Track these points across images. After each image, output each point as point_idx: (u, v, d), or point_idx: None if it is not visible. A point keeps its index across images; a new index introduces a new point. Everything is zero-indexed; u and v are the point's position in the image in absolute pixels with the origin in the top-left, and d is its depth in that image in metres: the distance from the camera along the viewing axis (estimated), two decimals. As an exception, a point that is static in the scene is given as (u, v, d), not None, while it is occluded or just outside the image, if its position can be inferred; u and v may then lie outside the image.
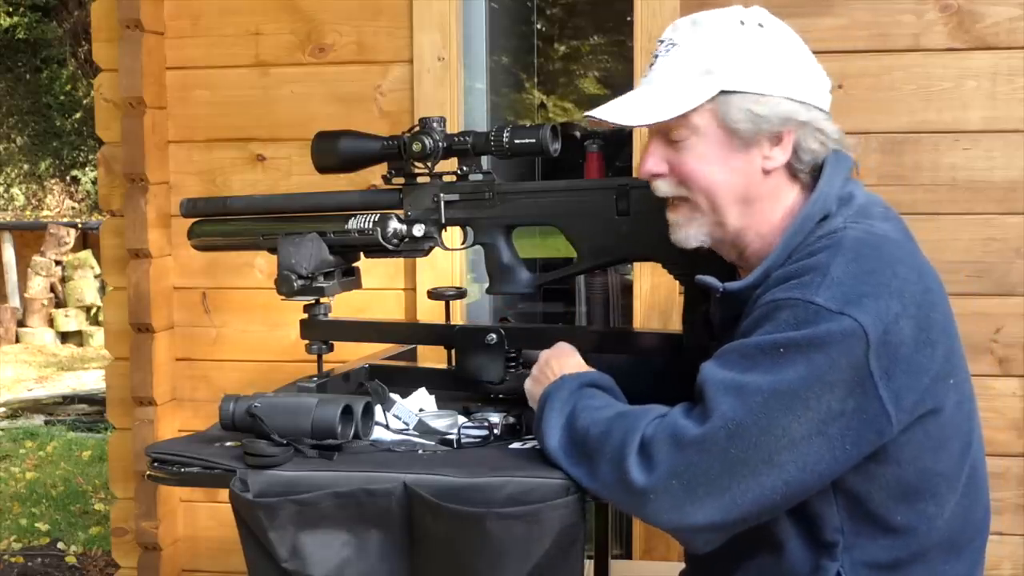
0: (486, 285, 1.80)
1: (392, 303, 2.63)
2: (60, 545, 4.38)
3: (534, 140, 1.66)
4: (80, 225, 10.42)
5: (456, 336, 1.82)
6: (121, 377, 2.74)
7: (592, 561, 2.02)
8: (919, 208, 2.38)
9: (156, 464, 1.54)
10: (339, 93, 2.62)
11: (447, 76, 2.55)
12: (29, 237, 10.38)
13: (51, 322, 9.73)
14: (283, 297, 1.79)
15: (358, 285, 1.90)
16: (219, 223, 1.90)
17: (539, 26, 5.03)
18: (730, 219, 1.42)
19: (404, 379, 1.87)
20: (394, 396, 1.72)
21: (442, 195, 1.75)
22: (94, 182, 12.92)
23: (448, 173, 1.76)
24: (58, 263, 9.79)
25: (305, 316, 1.86)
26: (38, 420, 6.78)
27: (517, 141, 1.67)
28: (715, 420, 1.27)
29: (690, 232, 1.45)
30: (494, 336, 1.76)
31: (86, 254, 9.75)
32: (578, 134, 4.37)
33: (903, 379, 1.27)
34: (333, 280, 1.80)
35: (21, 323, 9.71)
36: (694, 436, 1.28)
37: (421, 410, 1.74)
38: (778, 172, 1.41)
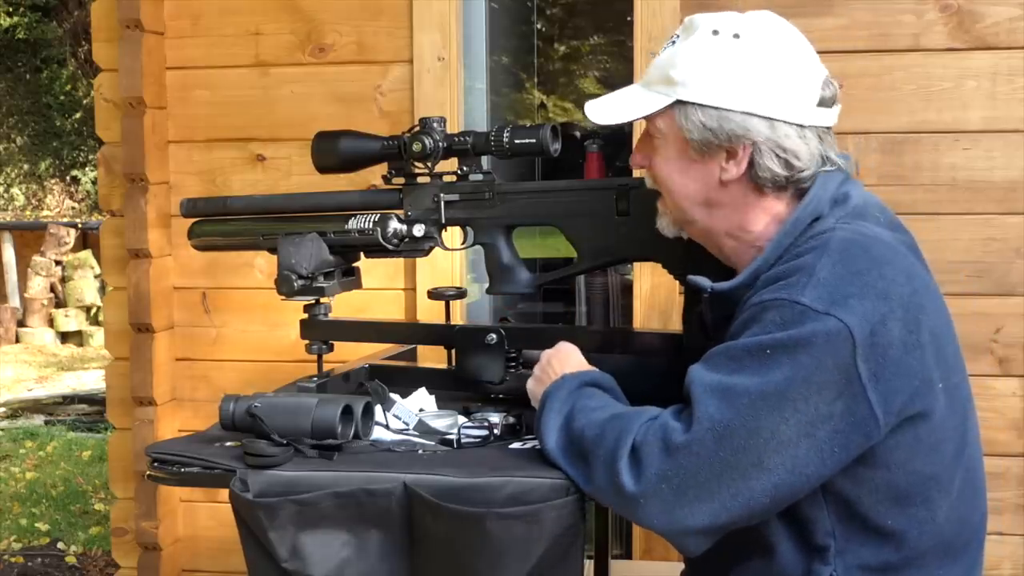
0: (486, 285, 1.80)
1: (392, 303, 2.63)
2: (60, 545, 4.38)
3: (534, 140, 1.66)
4: (80, 225, 10.42)
5: (456, 336, 1.82)
6: (121, 377, 2.74)
7: (592, 561, 2.03)
8: (919, 208, 2.38)
9: (156, 464, 1.55)
10: (339, 93, 2.62)
11: (447, 76, 2.55)
12: (29, 237, 10.37)
13: (51, 322, 9.73)
14: (283, 297, 1.79)
15: (358, 285, 1.90)
16: (219, 223, 1.90)
17: (539, 26, 5.03)
18: (696, 218, 1.46)
19: (404, 379, 1.87)
20: (394, 396, 1.72)
21: (442, 195, 1.76)
22: (94, 182, 12.92)
23: (448, 173, 1.76)
24: (58, 263, 9.79)
25: (305, 316, 1.86)
26: (38, 420, 6.78)
27: (517, 141, 1.67)
28: (703, 423, 1.27)
29: (663, 223, 1.52)
30: (494, 336, 1.76)
31: (86, 254, 9.75)
32: (578, 134, 4.37)
33: (892, 381, 1.26)
34: (333, 280, 1.80)
35: (21, 323, 9.71)
36: (682, 440, 1.28)
37: (421, 410, 1.74)
38: (738, 184, 1.41)
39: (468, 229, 1.78)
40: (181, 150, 2.72)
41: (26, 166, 14.18)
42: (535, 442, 1.51)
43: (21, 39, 13.69)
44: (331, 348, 1.87)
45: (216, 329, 2.74)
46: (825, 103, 1.40)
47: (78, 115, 13.91)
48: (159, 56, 2.67)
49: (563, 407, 1.44)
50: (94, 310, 9.52)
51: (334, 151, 1.79)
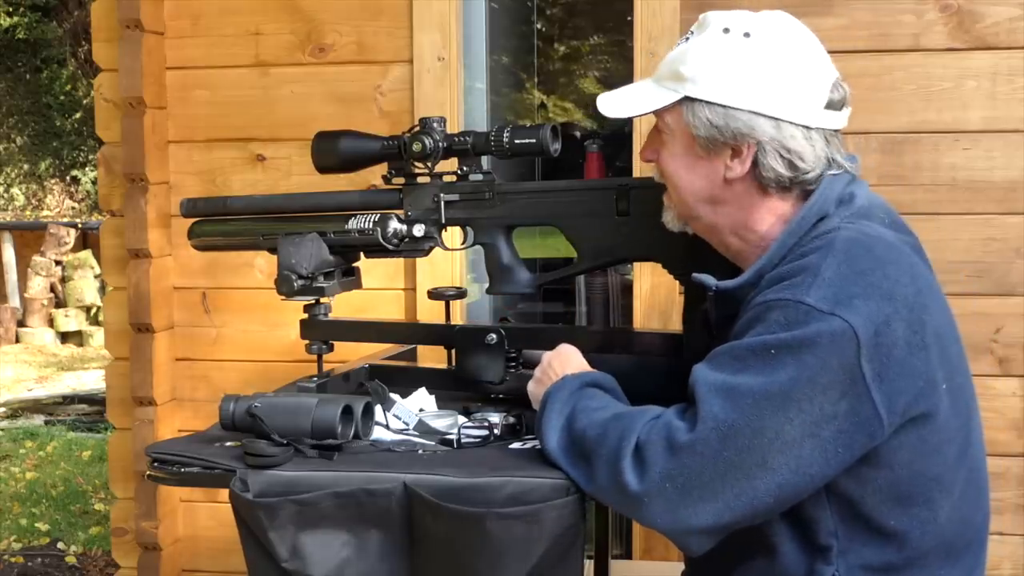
0: (486, 285, 1.80)
1: (392, 303, 2.63)
2: (60, 545, 4.38)
3: (534, 140, 1.66)
4: (80, 225, 10.42)
5: (456, 336, 1.82)
6: (121, 377, 2.74)
7: (592, 561, 2.02)
8: (919, 208, 2.38)
9: (156, 464, 1.55)
10: (339, 93, 2.62)
11: (447, 76, 2.55)
12: (29, 237, 10.38)
13: (51, 322, 9.73)
14: (283, 297, 1.79)
15: (358, 285, 1.90)
16: (219, 223, 1.90)
17: (539, 26, 5.03)
18: (701, 215, 1.47)
19: (404, 379, 1.87)
20: (394, 396, 1.72)
21: (442, 195, 1.76)
22: (94, 182, 12.92)
23: (448, 173, 1.76)
24: (58, 263, 9.79)
25: (305, 316, 1.86)
26: (38, 420, 6.78)
27: (517, 141, 1.67)
28: (707, 422, 1.27)
29: (668, 217, 1.53)
30: (494, 336, 1.76)
31: (86, 254, 9.75)
32: (578, 134, 4.38)
33: (896, 382, 1.26)
34: (333, 280, 1.80)
35: (21, 323, 9.72)
36: (687, 439, 1.28)
37: (421, 410, 1.74)
38: (742, 182, 1.41)
39: (468, 229, 1.78)
40: (181, 150, 2.72)
41: (26, 166, 14.18)
42: (535, 442, 1.51)
43: (21, 39, 13.69)
44: (331, 348, 1.87)
45: (216, 329, 2.74)
46: (834, 106, 1.40)
47: (78, 115, 13.91)
48: (159, 56, 2.67)
49: (564, 407, 1.44)
50: (94, 310, 9.52)
51: (334, 151, 1.79)
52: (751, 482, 1.26)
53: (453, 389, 1.82)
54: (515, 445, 1.56)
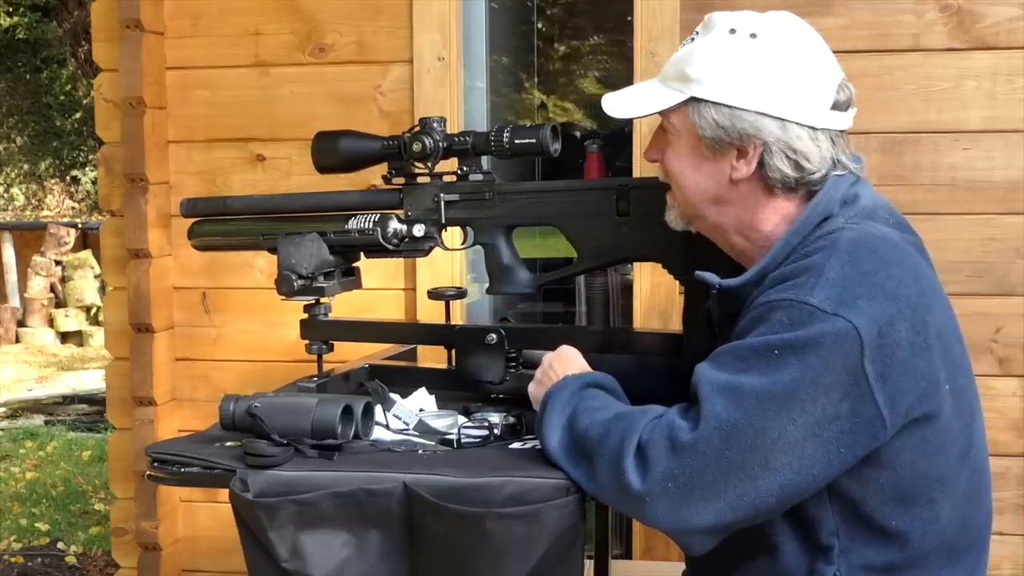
0: (486, 285, 1.80)
1: (392, 303, 2.62)
2: (60, 545, 4.38)
3: (534, 140, 1.66)
4: (80, 225, 10.42)
5: (456, 336, 1.82)
6: (121, 377, 2.74)
7: (592, 561, 2.02)
8: (919, 208, 2.38)
9: (156, 464, 1.54)
10: (339, 93, 2.62)
11: (447, 76, 2.55)
12: (29, 237, 10.38)
13: (51, 322, 9.73)
14: (283, 297, 1.79)
15: (358, 285, 1.90)
16: (219, 223, 1.90)
17: (539, 26, 5.03)
18: (707, 214, 1.47)
19: (404, 379, 1.87)
20: (394, 396, 1.72)
21: (442, 195, 1.76)
22: (94, 182, 12.92)
23: (448, 173, 1.76)
24: (58, 263, 9.79)
25: (305, 316, 1.86)
26: (38, 420, 6.78)
27: (517, 141, 1.67)
28: (710, 422, 1.27)
29: (672, 216, 1.53)
30: (494, 336, 1.76)
31: (86, 254, 9.75)
32: (578, 134, 4.38)
33: (899, 382, 1.26)
34: (333, 280, 1.80)
35: (21, 323, 9.72)
36: (689, 439, 1.28)
37: (421, 410, 1.74)
38: (748, 183, 1.41)
39: (468, 229, 1.78)
40: (181, 150, 2.72)
41: (26, 166, 14.18)
42: (535, 442, 1.51)
43: (21, 39, 13.69)
44: (331, 348, 1.87)
45: (216, 329, 2.74)
46: (839, 106, 1.40)
47: (78, 115, 13.91)
48: (159, 56, 2.67)
49: (566, 408, 1.44)
50: (94, 310, 9.52)
51: (334, 151, 1.79)
52: (753, 482, 1.26)
53: (453, 389, 1.82)
54: (515, 445, 1.56)
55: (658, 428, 1.32)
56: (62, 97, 14.11)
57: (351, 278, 1.87)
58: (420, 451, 1.55)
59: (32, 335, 9.57)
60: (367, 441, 1.56)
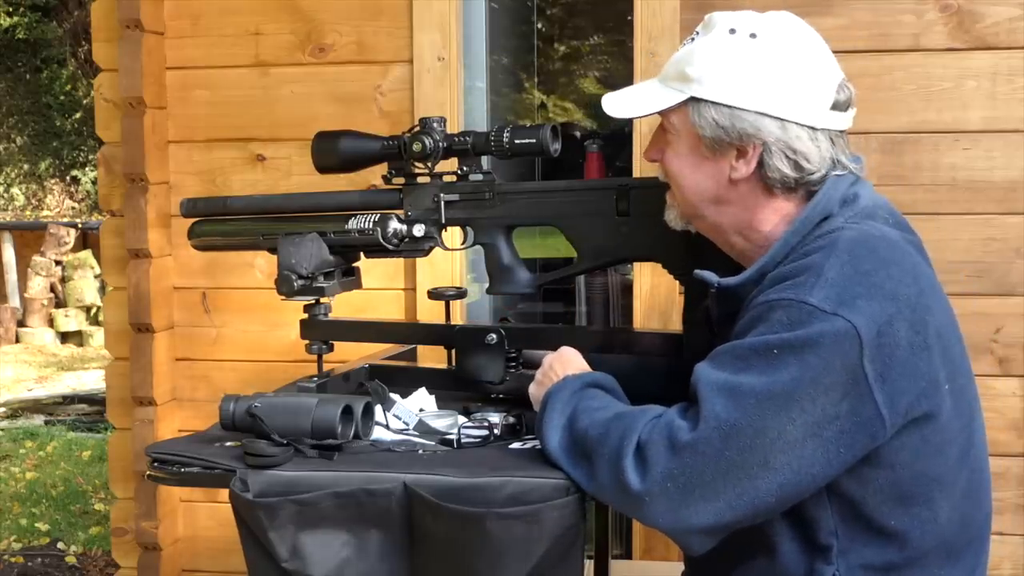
0: (486, 285, 1.80)
1: (392, 303, 2.62)
2: (60, 545, 4.38)
3: (534, 140, 1.66)
4: (80, 225, 10.42)
5: (456, 336, 1.82)
6: (121, 377, 2.74)
7: (592, 561, 2.02)
8: (919, 208, 2.38)
9: (156, 464, 1.54)
10: (339, 93, 2.62)
11: (447, 76, 2.55)
12: (29, 237, 10.38)
13: (51, 322, 9.73)
14: (283, 297, 1.79)
15: (358, 285, 1.90)
16: (219, 223, 1.90)
17: (539, 26, 5.03)
18: (706, 214, 1.47)
19: (404, 379, 1.87)
20: (394, 396, 1.72)
21: (442, 195, 1.76)
22: (94, 182, 12.92)
23: (448, 173, 1.76)
24: (58, 263, 9.79)
25: (305, 316, 1.86)
26: (38, 420, 6.78)
27: (517, 141, 1.67)
28: (709, 422, 1.27)
29: (671, 215, 1.53)
30: (494, 336, 1.76)
31: (86, 254, 9.75)
32: (578, 134, 4.38)
33: (898, 382, 1.26)
34: (333, 280, 1.80)
35: (21, 323, 9.72)
36: (689, 439, 1.28)
37: (421, 410, 1.74)
38: (747, 183, 1.41)
39: (468, 229, 1.78)
40: (181, 150, 2.72)
41: (26, 166, 14.18)
42: (535, 442, 1.51)
43: (21, 39, 13.69)
44: (331, 348, 1.87)
45: (216, 329, 2.74)
46: (839, 106, 1.40)
47: (78, 115, 13.91)
48: (159, 56, 2.67)
49: (566, 408, 1.44)
50: (94, 310, 9.52)
51: (334, 151, 1.79)
52: (753, 482, 1.26)
53: (453, 389, 1.82)
54: (515, 445, 1.56)
55: (657, 428, 1.32)
56: (62, 97, 14.11)
57: (351, 278, 1.87)
58: (420, 451, 1.55)
59: (32, 335, 9.57)
60: (367, 441, 1.56)
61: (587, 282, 2.98)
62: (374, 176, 2.14)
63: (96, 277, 9.46)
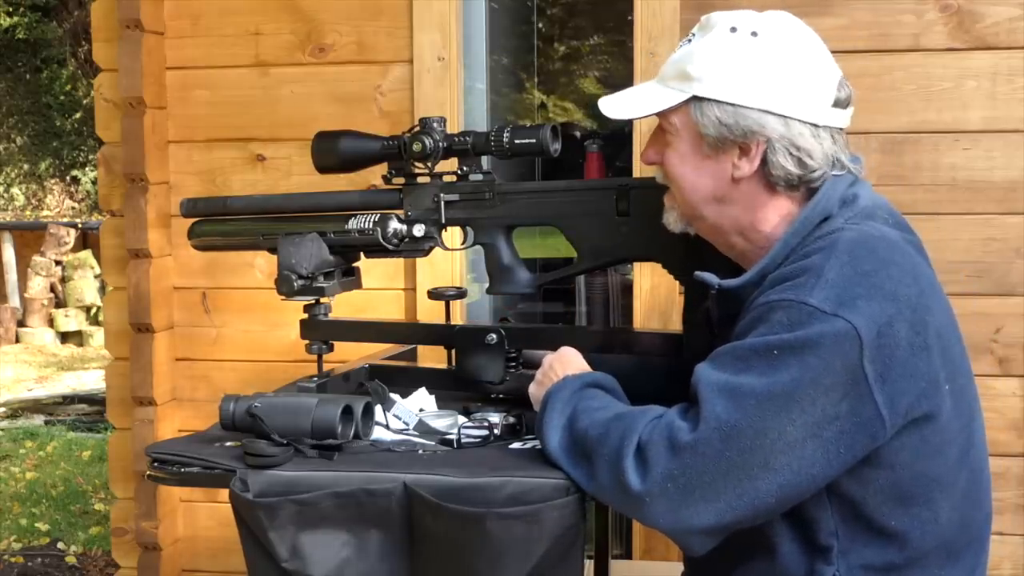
0: (486, 285, 1.80)
1: (392, 303, 2.63)
2: (60, 545, 4.39)
3: (534, 140, 1.66)
4: (80, 225, 10.42)
5: (456, 336, 1.82)
6: (121, 377, 2.74)
7: (592, 561, 2.02)
8: (919, 208, 2.38)
9: (156, 464, 1.54)
10: (339, 93, 2.62)
11: (447, 76, 2.55)
12: (29, 237, 10.38)
13: (51, 322, 9.73)
14: (283, 297, 1.79)
15: (358, 285, 1.90)
16: (219, 223, 1.90)
17: (539, 26, 5.02)
18: (707, 215, 1.46)
19: (404, 379, 1.87)
20: (394, 396, 1.72)
21: (442, 195, 1.76)
22: (94, 182, 12.92)
23: (448, 173, 1.76)
24: (58, 263, 9.79)
25: (305, 316, 1.86)
26: (38, 420, 6.78)
27: (517, 141, 1.67)
28: (709, 422, 1.27)
29: (671, 218, 1.52)
30: (494, 336, 1.76)
31: (86, 254, 9.75)
32: (578, 134, 4.37)
33: (898, 383, 1.26)
34: (333, 280, 1.80)
35: (21, 323, 9.72)
36: (689, 439, 1.28)
37: (421, 410, 1.74)
38: (750, 181, 1.41)
39: (468, 229, 1.78)
40: (181, 150, 2.72)
41: (26, 166, 14.19)
42: (535, 442, 1.51)
43: (21, 39, 13.69)
44: (331, 348, 1.87)
45: (216, 329, 2.74)
46: (840, 104, 1.40)
47: (78, 115, 13.92)
48: (159, 56, 2.67)
49: (566, 408, 1.44)
50: (94, 310, 9.52)
51: (334, 151, 1.79)
52: (753, 482, 1.26)
53: (453, 389, 1.82)
54: (515, 445, 1.56)
55: (658, 428, 1.32)
56: (62, 97, 14.11)
57: (351, 278, 1.87)
58: (420, 451, 1.55)
59: (32, 335, 9.57)
60: (367, 441, 1.56)
61: (587, 282, 2.98)
62: (374, 176, 2.14)
63: (96, 277, 9.46)
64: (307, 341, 1.86)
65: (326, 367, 1.89)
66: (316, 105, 2.63)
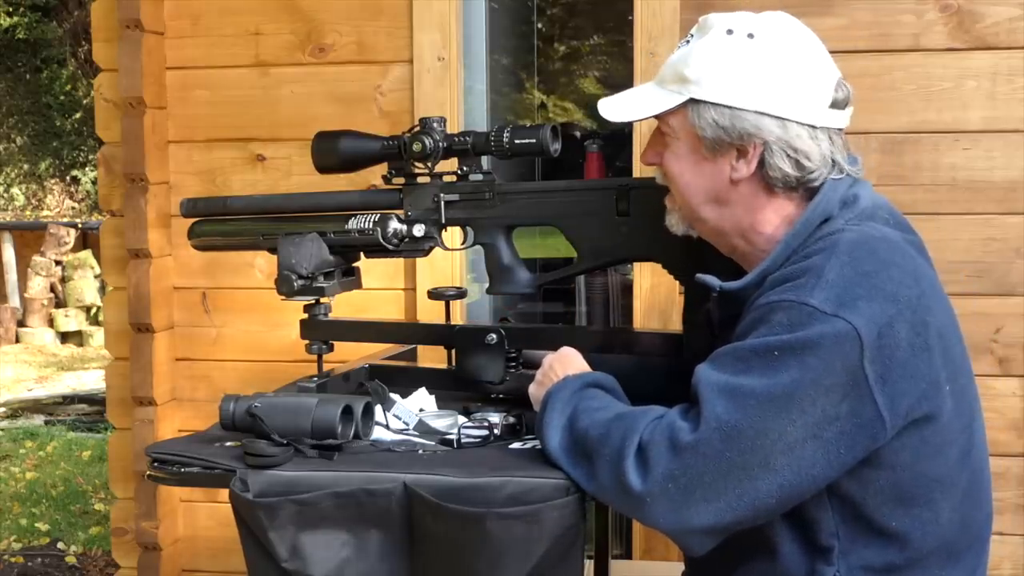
0: (486, 285, 1.80)
1: (392, 303, 2.63)
2: (60, 545, 4.39)
3: (534, 140, 1.66)
4: (80, 225, 10.42)
5: (456, 336, 1.82)
6: (121, 377, 2.74)
7: (592, 561, 2.02)
8: (919, 208, 2.38)
9: (156, 464, 1.54)
10: (339, 93, 2.62)
11: (447, 76, 2.55)
12: (29, 237, 10.38)
13: (51, 322, 9.73)
14: (283, 297, 1.79)
15: (358, 285, 1.90)
16: (219, 223, 1.90)
17: (539, 26, 5.03)
18: (707, 216, 1.46)
19: (404, 379, 1.87)
20: (394, 396, 1.72)
21: (442, 195, 1.76)
22: (94, 182, 12.92)
23: (448, 173, 1.76)
24: (58, 263, 9.79)
25: (305, 316, 1.86)
26: (38, 420, 6.78)
27: (517, 141, 1.67)
28: (710, 423, 1.27)
29: (673, 220, 1.52)
30: (494, 336, 1.76)
31: (86, 254, 9.75)
32: (578, 134, 4.37)
33: (899, 383, 1.26)
34: (333, 280, 1.80)
35: (21, 323, 9.71)
36: (690, 440, 1.28)
37: (421, 410, 1.74)
38: (748, 183, 1.41)
39: (468, 229, 1.78)
40: (181, 150, 2.72)
41: (26, 166, 14.18)
42: (535, 442, 1.51)
43: (21, 39, 13.69)
44: (331, 348, 1.87)
45: (216, 329, 2.74)
46: (838, 105, 1.40)
47: (78, 115, 13.92)
48: (159, 56, 2.67)
49: (566, 408, 1.44)
50: (94, 310, 9.52)
51: (334, 151, 1.79)
52: (753, 483, 1.26)
53: (453, 389, 1.82)
54: (515, 445, 1.56)
55: (659, 429, 1.32)
56: (62, 97, 14.11)
57: (351, 278, 1.87)
58: (420, 451, 1.55)
59: (32, 335, 9.57)
60: (367, 441, 1.56)
61: (587, 282, 2.98)
62: (374, 176, 2.14)
63: (96, 277, 9.46)
64: (307, 341, 1.86)
65: (326, 367, 1.89)
66: (316, 105, 2.63)
